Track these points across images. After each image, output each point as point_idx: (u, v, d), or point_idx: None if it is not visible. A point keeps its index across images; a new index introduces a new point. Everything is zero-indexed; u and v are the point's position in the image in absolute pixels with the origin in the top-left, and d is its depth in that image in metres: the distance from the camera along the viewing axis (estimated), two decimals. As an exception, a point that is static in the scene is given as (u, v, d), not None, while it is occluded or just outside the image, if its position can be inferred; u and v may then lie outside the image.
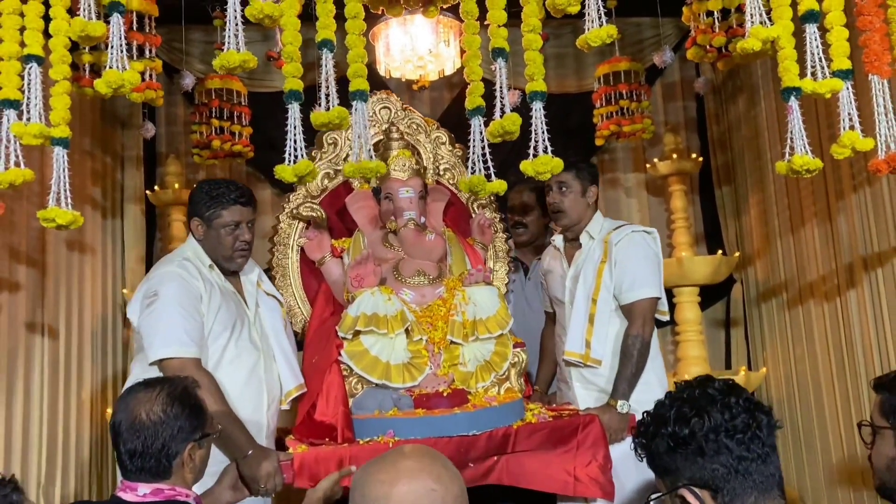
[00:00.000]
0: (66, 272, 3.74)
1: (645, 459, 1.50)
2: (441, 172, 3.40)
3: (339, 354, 2.71)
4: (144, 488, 1.73)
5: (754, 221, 4.53)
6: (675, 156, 4.32)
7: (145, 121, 4.09)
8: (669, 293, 4.06)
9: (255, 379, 2.63)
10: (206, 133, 3.95)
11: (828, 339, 3.81)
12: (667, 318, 3.16)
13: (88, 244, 3.99)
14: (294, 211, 3.17)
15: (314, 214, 3.15)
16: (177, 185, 4.23)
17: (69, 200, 2.29)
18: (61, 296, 3.67)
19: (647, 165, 4.53)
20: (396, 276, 2.95)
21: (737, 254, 4.48)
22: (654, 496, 1.45)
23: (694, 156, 4.45)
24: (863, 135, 2.37)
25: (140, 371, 2.45)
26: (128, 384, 2.41)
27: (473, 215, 3.40)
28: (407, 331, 2.77)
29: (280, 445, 2.71)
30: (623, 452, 2.71)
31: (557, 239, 3.24)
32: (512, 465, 2.62)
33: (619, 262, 2.95)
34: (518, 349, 2.94)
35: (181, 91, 4.09)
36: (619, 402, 2.83)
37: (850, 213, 3.56)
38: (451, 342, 2.82)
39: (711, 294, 4.59)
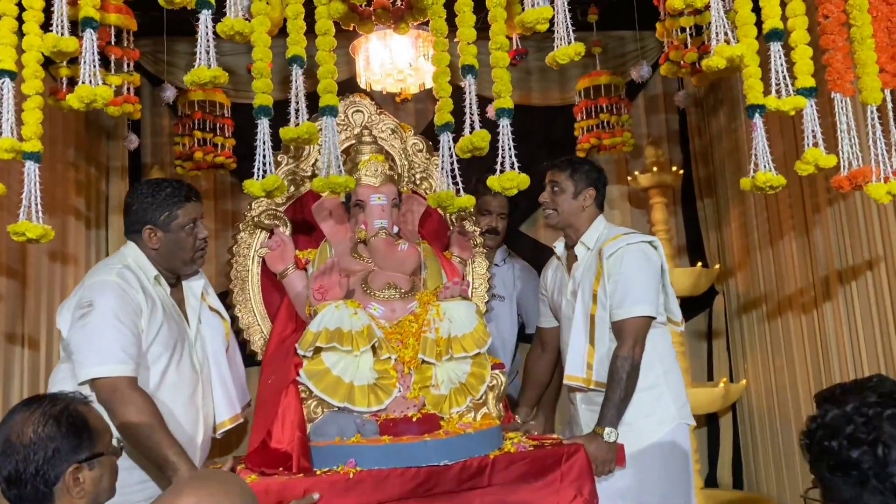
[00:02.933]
0: (47, 283, 3.75)
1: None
2: (417, 181, 3.20)
3: (298, 374, 2.49)
4: None
5: (735, 234, 4.56)
6: (655, 168, 4.36)
7: (129, 132, 4.11)
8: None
9: (192, 407, 2.45)
10: (189, 144, 3.98)
11: (805, 350, 3.84)
12: (681, 328, 3.01)
13: (71, 254, 4.00)
14: (255, 219, 2.96)
15: (276, 223, 2.94)
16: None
17: (40, 214, 2.30)
18: (42, 306, 3.69)
19: (629, 178, 4.56)
20: (365, 288, 2.75)
21: (717, 266, 4.51)
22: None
23: (675, 168, 4.48)
24: (826, 152, 2.39)
25: (63, 386, 2.19)
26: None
27: (451, 227, 3.21)
28: (374, 349, 2.55)
29: None
30: (612, 489, 2.61)
31: (559, 245, 3.05)
32: (488, 500, 2.36)
33: (612, 276, 2.75)
34: (497, 371, 2.71)
35: (166, 103, 4.12)
36: (606, 430, 2.61)
37: (825, 227, 3.60)
38: (423, 361, 2.60)
39: (693, 306, 4.62)
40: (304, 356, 2.51)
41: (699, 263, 4.44)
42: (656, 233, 4.38)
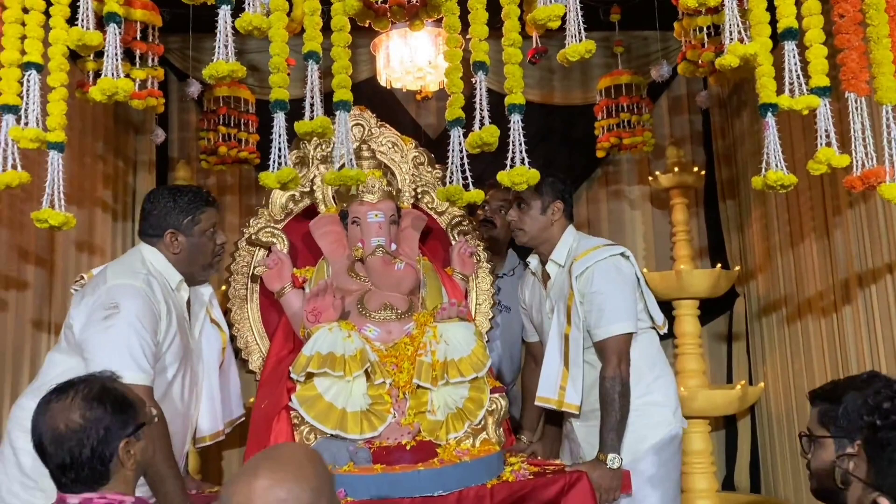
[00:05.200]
0: (74, 272, 3.84)
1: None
2: (419, 195, 3.10)
3: (290, 399, 2.43)
4: (73, 499, 1.61)
5: (756, 236, 4.53)
6: (676, 169, 4.34)
7: (156, 127, 4.20)
8: (669, 306, 4.09)
9: (186, 419, 2.45)
10: (214, 140, 4.06)
11: (824, 353, 3.81)
12: (664, 331, 2.92)
13: (98, 245, 4.10)
14: (253, 236, 2.90)
15: (274, 241, 2.89)
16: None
17: (63, 202, 2.37)
18: (69, 295, 3.76)
19: (650, 178, 4.56)
20: (361, 309, 2.67)
21: (737, 268, 4.48)
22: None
23: (696, 169, 4.46)
24: (839, 151, 2.38)
25: (61, 371, 2.20)
26: (43, 382, 2.23)
27: (453, 243, 3.10)
28: (367, 373, 2.48)
29: None
30: None
31: (532, 261, 2.97)
32: None
33: (585, 297, 2.67)
34: (496, 395, 2.60)
35: (191, 98, 4.20)
36: (610, 457, 2.52)
37: (845, 230, 3.57)
38: (419, 386, 2.52)
39: (714, 308, 4.60)
40: (296, 380, 2.45)
41: (719, 265, 4.41)
42: (677, 233, 4.37)
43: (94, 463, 1.60)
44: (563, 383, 2.67)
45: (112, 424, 1.63)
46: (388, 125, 3.18)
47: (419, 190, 3.11)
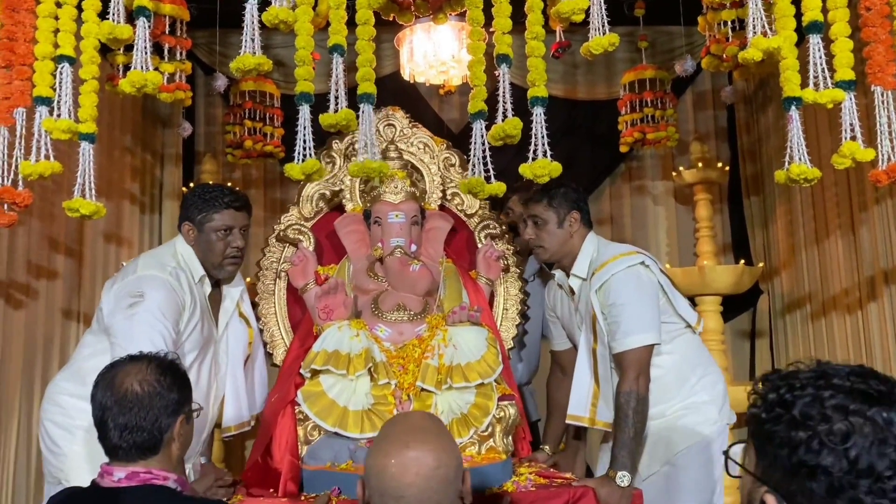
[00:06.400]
0: (102, 262, 3.93)
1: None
2: (449, 196, 3.07)
3: (296, 395, 2.43)
4: (119, 472, 1.65)
5: (781, 232, 4.50)
6: (700, 164, 4.32)
7: (183, 121, 4.27)
8: (691, 302, 4.05)
9: (205, 406, 2.50)
10: (240, 134, 4.10)
11: (849, 351, 3.78)
12: (699, 329, 2.76)
13: (126, 237, 4.18)
14: (281, 233, 2.94)
15: (300, 238, 2.92)
16: (211, 183, 4.39)
17: (93, 192, 2.43)
18: (97, 285, 3.85)
19: (674, 174, 4.54)
20: (374, 309, 2.67)
21: (760, 264, 4.45)
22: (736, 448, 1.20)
23: (720, 165, 4.44)
24: (865, 145, 2.36)
25: (100, 359, 2.21)
26: (79, 362, 2.45)
27: (480, 245, 3.03)
28: (372, 373, 2.46)
29: None
30: (647, 492, 2.44)
31: (557, 273, 2.83)
32: None
33: (605, 310, 2.56)
34: (505, 402, 2.52)
35: (217, 92, 4.26)
36: (619, 474, 2.38)
37: (872, 226, 3.54)
38: (422, 389, 2.47)
39: (737, 305, 4.58)
40: (304, 376, 2.48)
41: (742, 261, 4.39)
42: (700, 229, 4.35)
43: (153, 430, 1.66)
44: (595, 400, 2.59)
45: (177, 397, 1.70)
46: (420, 125, 3.16)
47: (449, 191, 3.07)
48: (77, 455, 2.37)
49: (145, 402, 1.66)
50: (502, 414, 2.50)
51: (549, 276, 2.96)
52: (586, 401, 2.61)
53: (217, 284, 2.65)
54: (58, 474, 2.43)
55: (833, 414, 1.06)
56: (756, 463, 1.15)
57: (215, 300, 2.64)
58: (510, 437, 2.53)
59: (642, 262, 2.61)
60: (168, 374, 1.71)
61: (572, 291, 2.73)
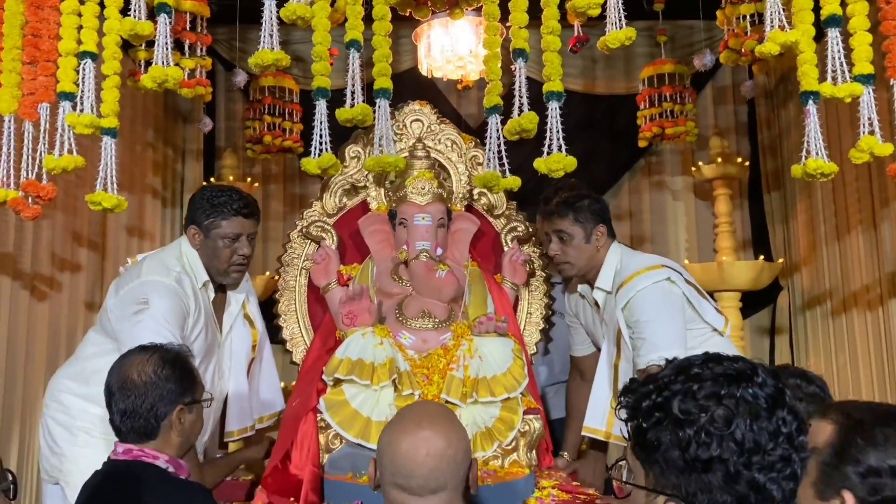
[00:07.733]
0: (124, 255, 3.96)
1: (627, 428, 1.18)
2: (475, 196, 3.03)
3: (318, 402, 2.40)
4: (120, 448, 1.78)
5: (801, 228, 4.46)
6: (720, 159, 4.30)
7: (204, 116, 4.31)
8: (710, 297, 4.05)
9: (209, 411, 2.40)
10: (259, 129, 4.14)
11: (869, 348, 3.75)
12: (727, 333, 2.70)
13: (148, 231, 4.24)
14: (304, 230, 2.90)
15: (323, 235, 2.88)
16: (231, 178, 4.43)
17: (115, 186, 2.47)
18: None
19: (693, 169, 4.51)
20: (398, 315, 2.63)
21: (780, 260, 4.42)
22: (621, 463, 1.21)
23: (740, 160, 4.41)
24: (883, 140, 2.35)
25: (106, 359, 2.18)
26: (83, 361, 2.47)
27: (506, 248, 2.98)
28: (395, 383, 2.41)
29: None
30: None
31: (582, 288, 2.78)
32: None
33: (630, 326, 2.52)
34: (531, 416, 2.47)
35: (237, 88, 4.30)
36: None
37: (893, 222, 3.50)
38: (447, 402, 2.40)
39: (757, 301, 4.54)
40: (327, 383, 2.44)
41: (761, 257, 4.36)
42: (719, 225, 4.32)
43: (150, 416, 1.77)
44: (612, 414, 2.55)
45: (175, 388, 1.81)
46: (448, 121, 3.12)
47: (476, 191, 3.02)
48: (76, 457, 2.37)
49: (141, 390, 1.78)
50: (527, 428, 2.46)
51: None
52: (603, 414, 2.58)
53: (222, 288, 2.65)
54: (55, 474, 2.43)
55: (708, 402, 1.08)
56: (645, 475, 1.14)
57: (219, 304, 2.64)
58: (534, 452, 2.49)
59: (668, 278, 2.55)
60: (168, 365, 1.82)
61: (597, 304, 2.69)
